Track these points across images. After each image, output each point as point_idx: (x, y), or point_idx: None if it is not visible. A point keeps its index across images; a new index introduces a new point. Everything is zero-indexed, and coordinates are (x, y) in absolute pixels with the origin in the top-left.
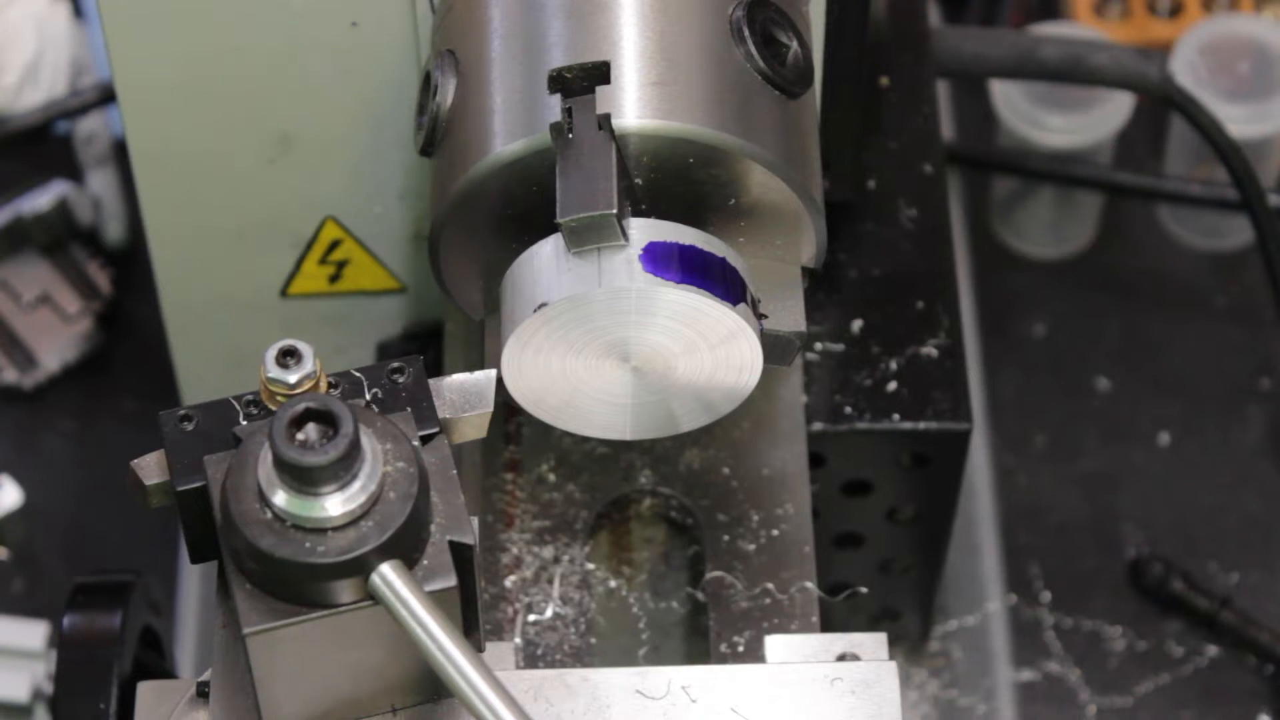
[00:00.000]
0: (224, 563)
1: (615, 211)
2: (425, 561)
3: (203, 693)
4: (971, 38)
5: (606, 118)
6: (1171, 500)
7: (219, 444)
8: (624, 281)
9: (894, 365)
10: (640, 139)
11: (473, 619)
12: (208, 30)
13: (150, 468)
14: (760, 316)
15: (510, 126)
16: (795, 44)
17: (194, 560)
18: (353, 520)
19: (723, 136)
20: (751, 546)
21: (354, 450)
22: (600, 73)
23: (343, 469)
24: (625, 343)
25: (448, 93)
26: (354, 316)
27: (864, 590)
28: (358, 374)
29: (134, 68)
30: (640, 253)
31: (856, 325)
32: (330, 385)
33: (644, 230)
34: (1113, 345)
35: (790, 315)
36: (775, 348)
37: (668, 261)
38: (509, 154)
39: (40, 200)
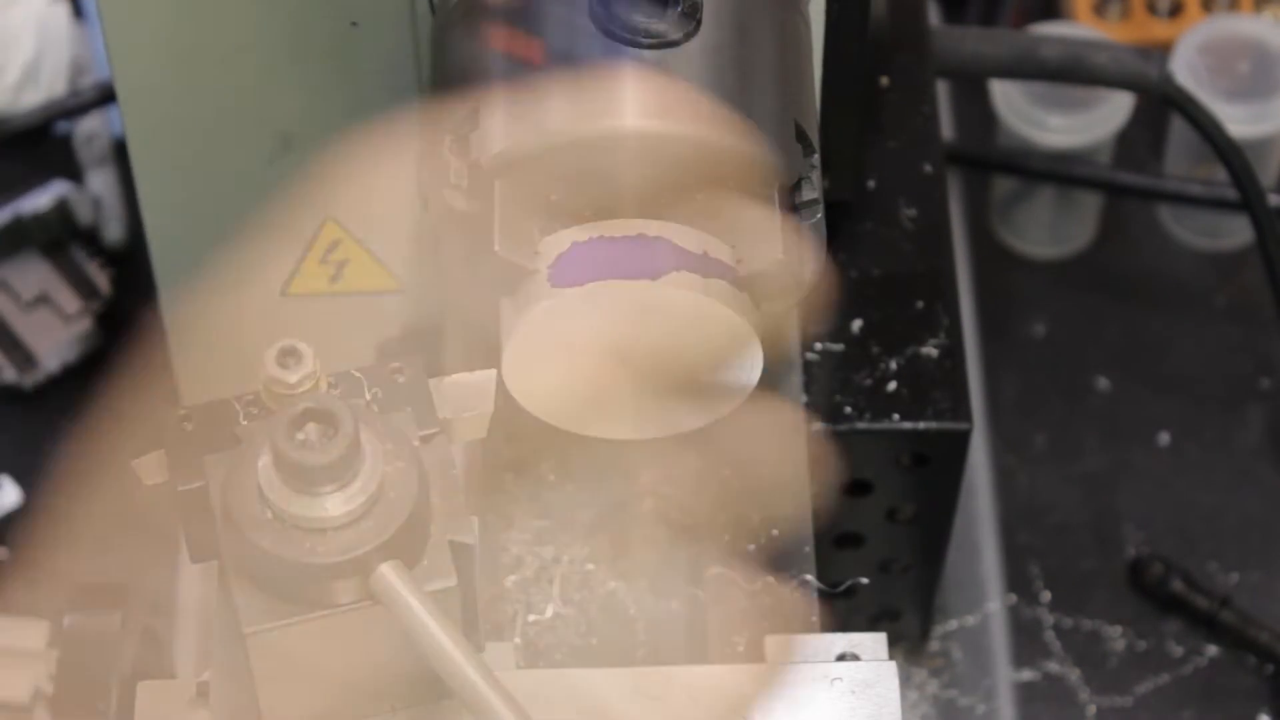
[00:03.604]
0: (224, 563)
1: (498, 250)
2: (425, 561)
3: (203, 693)
4: (971, 38)
5: (474, 163)
6: (1171, 500)
7: (219, 444)
8: (540, 303)
9: (894, 365)
10: (538, 155)
11: (473, 619)
12: (208, 30)
13: (150, 468)
14: (736, 261)
15: None
16: None
17: (194, 560)
18: (353, 520)
19: (588, 126)
20: (751, 546)
21: (354, 450)
22: (472, 121)
23: (343, 469)
24: (625, 343)
25: None
26: (354, 316)
27: (864, 580)
28: (358, 374)
29: (134, 68)
30: (548, 271)
31: (856, 325)
32: (330, 385)
33: (550, 246)
34: (1113, 345)
35: (767, 247)
36: (763, 285)
37: (569, 268)
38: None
39: (40, 200)
